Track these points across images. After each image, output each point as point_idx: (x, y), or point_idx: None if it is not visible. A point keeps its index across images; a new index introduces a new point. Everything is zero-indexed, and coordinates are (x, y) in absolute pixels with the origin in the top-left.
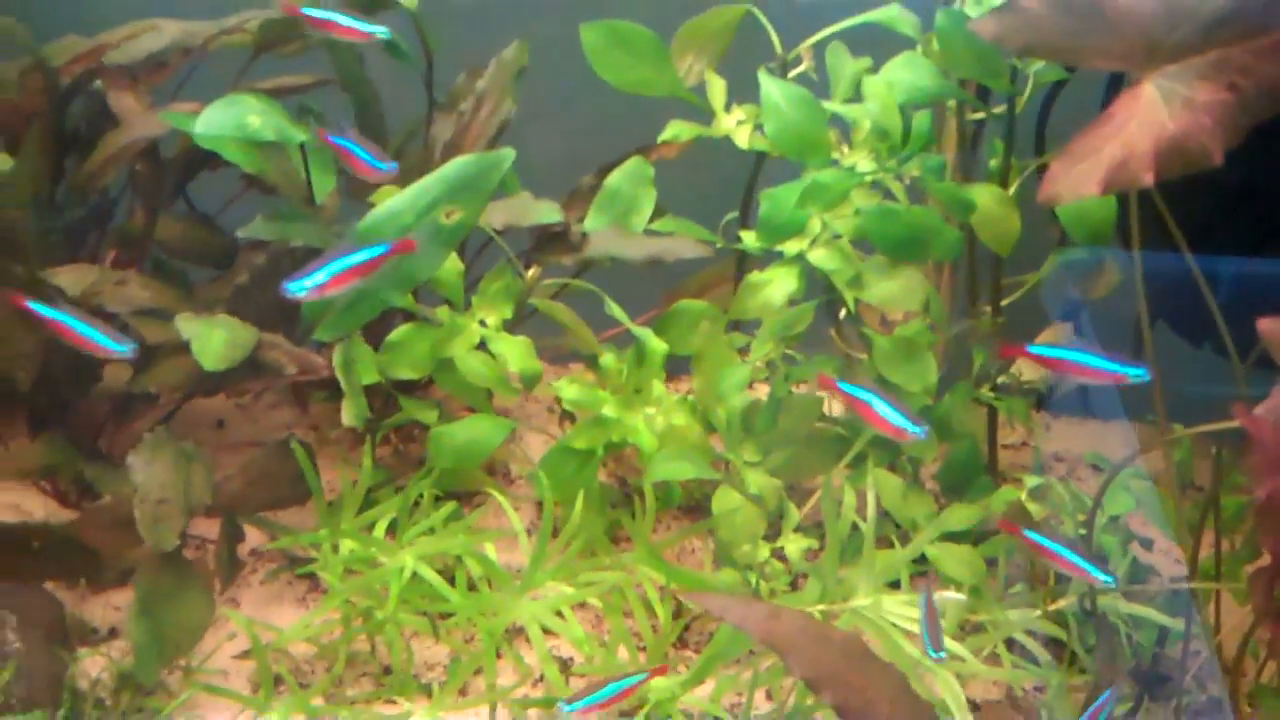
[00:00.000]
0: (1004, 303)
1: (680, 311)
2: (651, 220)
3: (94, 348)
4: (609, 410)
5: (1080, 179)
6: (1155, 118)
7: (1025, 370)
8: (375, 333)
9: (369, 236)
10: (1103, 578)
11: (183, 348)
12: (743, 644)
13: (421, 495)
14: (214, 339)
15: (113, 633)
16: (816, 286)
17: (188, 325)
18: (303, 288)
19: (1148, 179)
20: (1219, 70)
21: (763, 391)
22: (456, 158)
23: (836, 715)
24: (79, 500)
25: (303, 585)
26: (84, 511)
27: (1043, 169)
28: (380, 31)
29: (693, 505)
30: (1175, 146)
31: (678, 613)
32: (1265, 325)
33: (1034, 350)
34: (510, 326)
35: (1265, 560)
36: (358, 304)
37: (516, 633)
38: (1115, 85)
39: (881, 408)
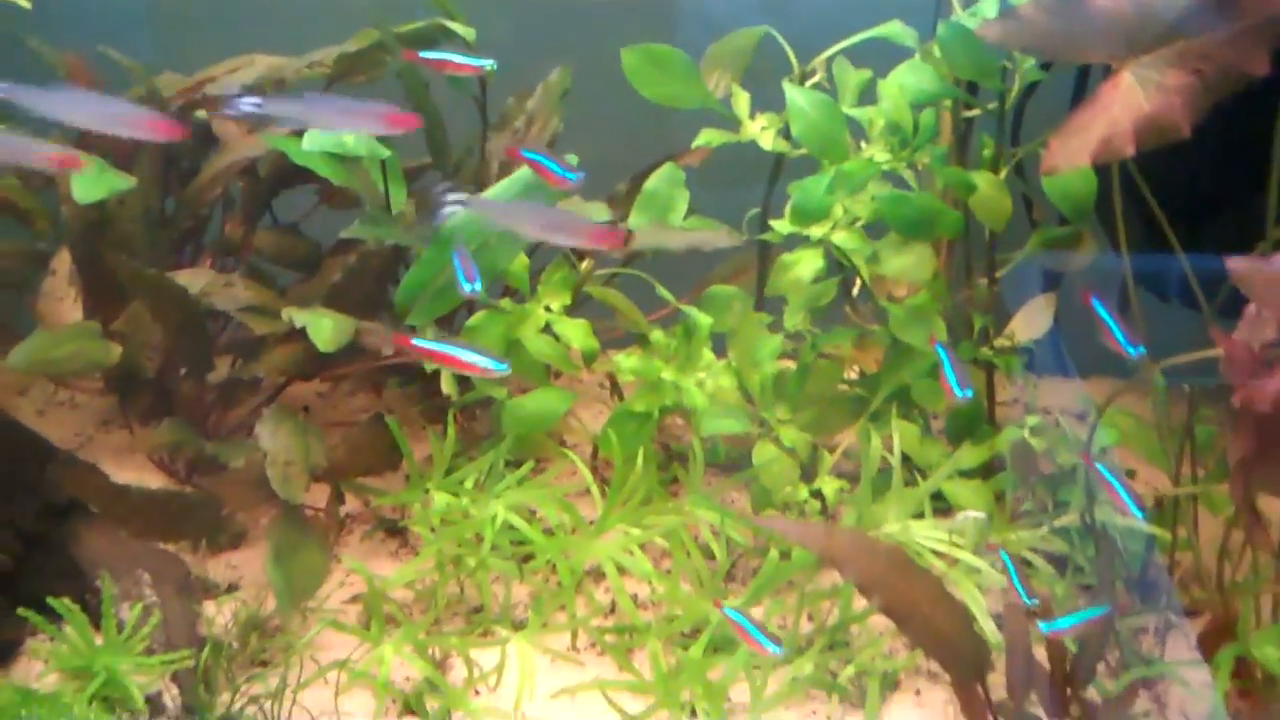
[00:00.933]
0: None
1: (713, 295)
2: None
3: (479, 370)
4: (667, 375)
5: (1074, 152)
6: (1134, 99)
7: (1019, 332)
8: (441, 324)
9: (455, 235)
10: (1137, 513)
11: (286, 338)
12: (785, 573)
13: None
14: (324, 325)
15: (231, 588)
16: (829, 269)
17: (300, 315)
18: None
19: (1129, 150)
20: (1184, 58)
21: (785, 363)
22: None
23: (885, 615)
24: (188, 476)
25: (394, 542)
26: (222, 476)
27: (1019, 160)
28: (488, 64)
29: (728, 465)
30: (1151, 123)
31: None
32: (1235, 265)
33: (1095, 303)
34: (568, 312)
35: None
36: (444, 292)
37: (586, 575)
38: (1082, 84)
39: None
